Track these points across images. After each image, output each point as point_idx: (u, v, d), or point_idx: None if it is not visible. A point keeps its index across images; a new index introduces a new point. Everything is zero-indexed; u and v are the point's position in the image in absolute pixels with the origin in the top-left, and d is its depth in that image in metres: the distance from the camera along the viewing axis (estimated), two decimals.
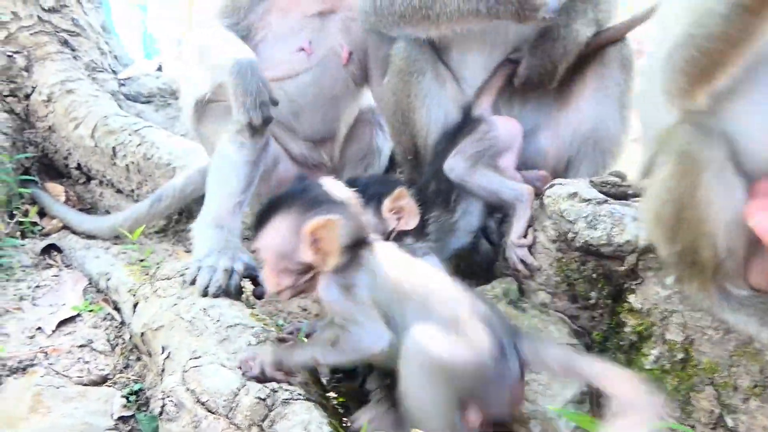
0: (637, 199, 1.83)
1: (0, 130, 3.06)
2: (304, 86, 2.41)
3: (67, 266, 2.70)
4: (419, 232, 1.87)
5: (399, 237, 1.84)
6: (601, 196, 1.77)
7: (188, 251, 2.78)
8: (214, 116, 2.38)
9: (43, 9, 3.30)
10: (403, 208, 1.82)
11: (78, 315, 2.30)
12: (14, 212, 2.92)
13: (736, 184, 1.33)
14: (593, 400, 1.63)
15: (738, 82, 1.29)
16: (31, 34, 3.25)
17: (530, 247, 1.85)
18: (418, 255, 1.66)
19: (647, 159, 1.51)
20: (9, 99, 3.18)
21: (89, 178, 3.20)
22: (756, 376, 1.46)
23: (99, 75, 3.42)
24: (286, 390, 1.38)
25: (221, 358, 1.46)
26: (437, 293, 1.43)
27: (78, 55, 3.37)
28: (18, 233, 2.87)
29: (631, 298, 1.67)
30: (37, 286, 2.51)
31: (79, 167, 3.18)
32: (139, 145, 2.98)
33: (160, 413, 1.37)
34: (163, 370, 1.62)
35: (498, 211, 2.05)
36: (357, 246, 1.47)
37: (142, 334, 1.86)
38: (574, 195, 1.77)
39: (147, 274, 2.34)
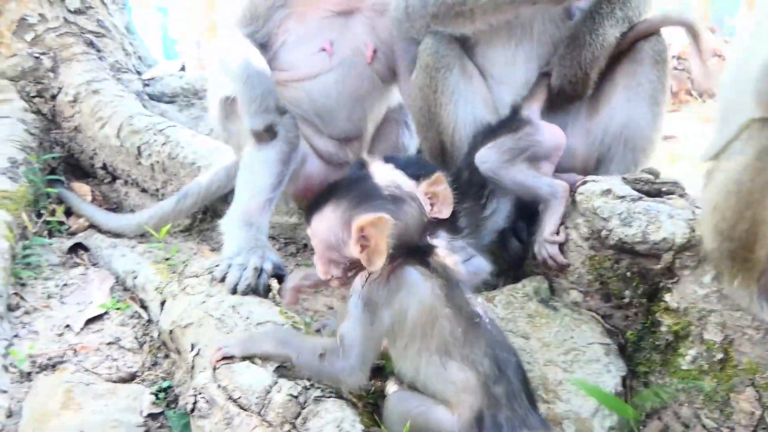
0: (671, 196, 1.80)
1: (27, 131, 3.09)
2: (326, 86, 2.41)
3: (93, 265, 2.72)
4: (451, 224, 1.84)
5: (431, 228, 1.82)
6: (636, 193, 1.74)
7: (213, 250, 2.79)
8: (240, 114, 2.39)
9: (69, 11, 3.34)
10: (438, 194, 1.73)
11: (105, 313, 2.31)
12: (41, 211, 2.94)
13: None
14: (628, 400, 1.61)
15: None
16: (58, 35, 3.28)
17: (561, 246, 1.82)
18: (462, 256, 1.63)
19: (721, 142, 1.44)
20: (36, 100, 3.22)
21: (114, 178, 3.22)
22: None
23: (124, 75, 3.44)
24: (318, 387, 1.37)
25: None
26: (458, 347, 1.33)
27: (103, 55, 3.40)
28: (45, 232, 2.89)
29: (667, 297, 1.63)
30: (65, 285, 2.53)
31: (104, 167, 3.20)
32: (164, 144, 2.99)
33: (192, 410, 1.36)
34: (192, 367, 1.62)
35: (526, 211, 2.02)
36: (410, 252, 1.39)
37: (171, 331, 1.86)
38: (607, 192, 1.74)
39: (174, 272, 2.34)
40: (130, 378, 1.94)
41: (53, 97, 3.23)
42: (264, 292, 1.83)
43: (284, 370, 1.41)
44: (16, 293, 2.40)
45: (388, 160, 1.87)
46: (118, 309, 2.31)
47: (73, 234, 2.95)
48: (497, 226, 1.96)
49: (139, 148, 3.02)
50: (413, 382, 1.38)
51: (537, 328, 1.68)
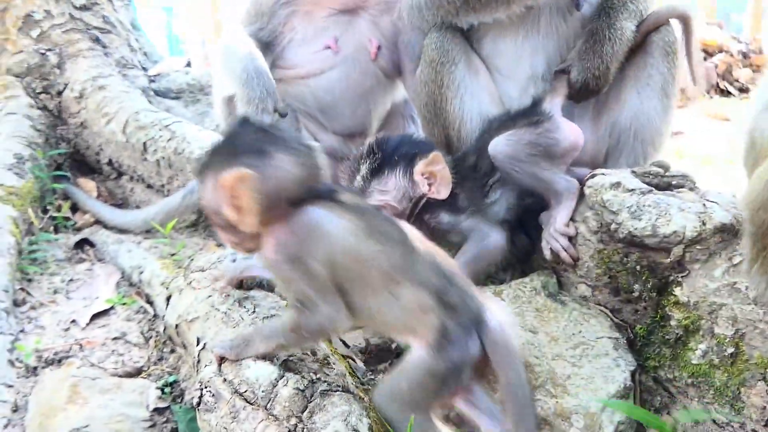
0: (681, 189, 1.78)
1: (33, 127, 3.08)
2: (330, 83, 2.41)
3: (99, 260, 2.72)
4: (451, 205, 1.81)
5: (432, 209, 1.80)
6: (645, 186, 1.72)
7: (220, 245, 2.78)
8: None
9: (75, 7, 3.33)
10: (435, 173, 1.76)
11: (111, 308, 2.31)
12: (48, 207, 2.95)
13: None
14: (637, 394, 1.59)
15: None
16: (63, 31, 3.28)
17: (571, 239, 1.80)
18: (477, 235, 1.68)
19: None
20: (42, 96, 3.21)
21: (120, 174, 3.22)
22: None
23: (129, 71, 3.44)
24: (324, 381, 1.36)
25: None
26: (395, 271, 1.28)
27: (109, 52, 3.40)
28: (51, 228, 2.89)
29: (677, 290, 1.61)
30: (71, 280, 2.53)
31: (110, 163, 3.19)
32: (170, 140, 2.98)
33: (198, 404, 1.35)
34: (198, 361, 1.61)
35: (531, 206, 1.99)
36: (303, 202, 1.31)
37: (177, 325, 1.85)
38: (617, 185, 1.72)
39: (180, 267, 2.34)
40: (136, 373, 1.94)
41: (59, 93, 3.23)
42: (269, 286, 1.83)
43: (291, 363, 1.40)
44: (22, 288, 2.40)
45: (379, 142, 1.87)
46: (124, 304, 2.31)
47: (79, 230, 2.95)
48: (497, 216, 1.91)
49: (144, 143, 3.01)
50: (376, 328, 1.37)
51: (545, 322, 1.67)
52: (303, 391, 1.31)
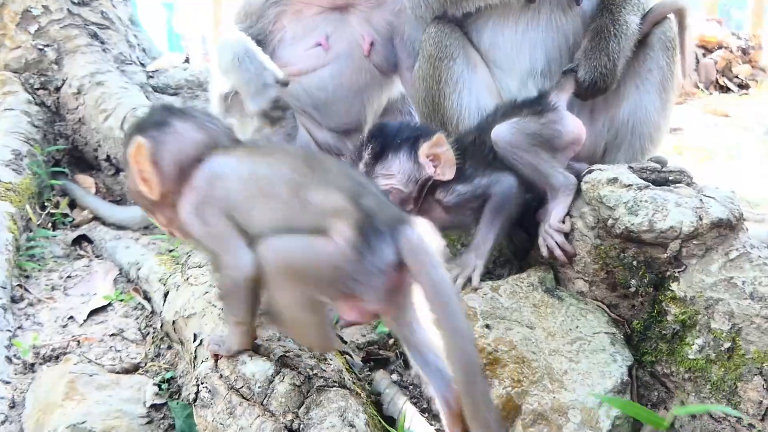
0: (678, 185, 1.78)
1: (31, 123, 3.08)
2: (323, 80, 2.41)
3: (97, 257, 2.72)
4: (460, 177, 1.81)
5: (444, 187, 1.79)
6: (642, 181, 1.72)
7: None
8: (241, 108, 2.38)
9: (73, 2, 3.33)
10: (440, 155, 1.75)
11: (109, 304, 2.31)
12: (46, 204, 2.95)
13: None
14: (634, 389, 1.59)
15: None
16: (62, 27, 3.27)
17: (567, 235, 1.79)
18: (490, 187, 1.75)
19: None
20: (40, 92, 3.21)
21: (118, 170, 3.21)
22: None
23: (128, 67, 3.43)
24: (321, 377, 1.36)
25: (255, 344, 1.43)
26: (285, 186, 1.27)
27: (107, 47, 3.39)
28: (49, 224, 2.89)
29: (674, 286, 1.61)
30: (69, 276, 2.53)
31: (108, 159, 3.19)
32: None
33: (195, 400, 1.35)
34: (195, 358, 1.61)
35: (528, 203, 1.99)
36: (203, 160, 1.34)
37: (174, 322, 1.85)
38: (614, 180, 1.72)
39: (178, 263, 2.34)
40: (134, 369, 1.94)
41: (57, 89, 3.23)
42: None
43: (287, 359, 1.40)
44: (20, 285, 2.40)
45: (379, 128, 1.86)
46: (121, 300, 2.31)
47: (77, 226, 2.95)
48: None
49: None
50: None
51: (542, 317, 1.66)
52: (299, 386, 1.31)
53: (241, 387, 1.32)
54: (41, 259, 2.63)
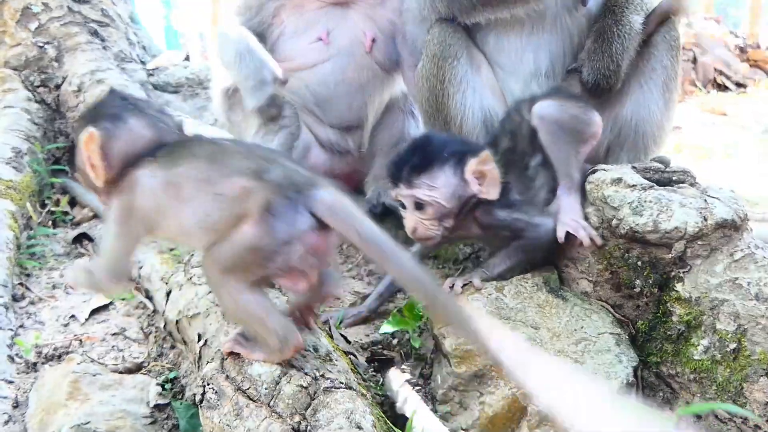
0: (681, 185, 1.78)
1: (31, 120, 3.07)
2: (323, 76, 2.41)
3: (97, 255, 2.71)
4: (503, 200, 1.75)
5: (484, 205, 1.75)
6: (647, 182, 1.72)
7: None
8: (242, 103, 2.38)
9: (73, 0, 3.32)
10: (486, 173, 1.70)
11: (110, 303, 2.30)
12: (46, 201, 2.94)
13: None
14: (639, 390, 1.59)
15: None
16: (62, 24, 3.26)
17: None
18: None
19: None
20: (40, 89, 3.21)
21: None
22: None
23: (128, 65, 3.43)
24: (327, 378, 1.36)
25: None
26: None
27: (107, 45, 3.38)
28: (50, 222, 2.88)
29: (679, 286, 1.61)
30: None
31: None
32: None
33: (201, 401, 1.35)
34: (199, 358, 1.61)
35: None
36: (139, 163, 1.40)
37: (177, 321, 1.85)
38: (618, 181, 1.72)
39: (179, 262, 2.33)
40: (137, 368, 1.93)
41: (57, 86, 3.22)
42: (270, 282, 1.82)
43: (293, 360, 1.39)
44: (21, 284, 2.40)
45: (424, 138, 1.82)
46: (123, 299, 2.30)
47: (77, 224, 2.94)
48: (542, 202, 1.85)
49: None
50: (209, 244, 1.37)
51: (547, 318, 1.66)
52: (306, 388, 1.31)
53: (248, 388, 1.31)
54: (42, 258, 2.63)
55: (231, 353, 1.39)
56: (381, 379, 1.71)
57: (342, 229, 1.27)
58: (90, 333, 2.14)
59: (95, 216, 2.96)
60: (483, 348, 1.26)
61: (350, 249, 2.54)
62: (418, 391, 1.63)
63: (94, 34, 3.33)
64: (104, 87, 3.17)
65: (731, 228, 1.61)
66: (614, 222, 1.68)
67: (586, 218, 1.76)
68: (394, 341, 1.87)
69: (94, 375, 1.79)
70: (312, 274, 1.32)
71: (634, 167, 1.84)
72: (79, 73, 3.19)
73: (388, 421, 1.42)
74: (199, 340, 1.64)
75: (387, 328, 1.82)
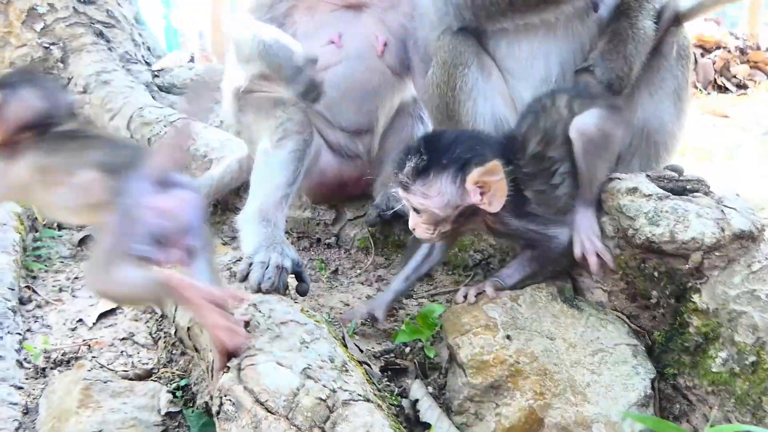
0: (696, 194, 1.77)
1: None
2: (335, 78, 2.39)
3: None
4: (518, 209, 1.68)
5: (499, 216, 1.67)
6: (662, 191, 1.71)
7: (225, 243, 2.76)
8: (255, 105, 2.36)
9: (79, 1, 3.31)
10: (490, 184, 1.59)
11: (118, 307, 2.28)
12: None
13: None
14: (656, 402, 1.59)
15: None
16: (67, 25, 3.25)
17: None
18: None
19: None
20: None
21: None
22: None
23: (133, 66, 3.41)
24: (345, 390, 1.34)
25: (277, 355, 1.42)
26: None
27: (113, 46, 3.37)
28: (54, 224, 2.86)
29: (696, 297, 1.60)
30: (76, 278, 2.51)
31: None
32: None
33: (218, 412, 1.33)
34: (213, 368, 1.59)
35: None
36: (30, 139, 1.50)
37: (189, 328, 1.83)
38: (633, 190, 1.71)
39: None
40: (147, 375, 1.92)
41: (63, 87, 3.20)
42: (284, 289, 1.81)
43: (310, 370, 1.38)
44: (27, 286, 2.38)
45: (433, 137, 1.77)
46: None
47: (82, 226, 2.92)
48: (562, 210, 1.78)
49: (149, 140, 2.98)
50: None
51: (562, 328, 1.65)
52: (325, 400, 1.29)
53: (266, 400, 1.30)
54: (48, 260, 2.61)
55: None
56: (395, 389, 1.70)
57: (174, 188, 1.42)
58: (98, 338, 2.13)
59: None
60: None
61: (359, 254, 2.53)
62: (441, 399, 1.62)
63: (100, 35, 3.32)
64: (110, 88, 3.16)
65: (749, 239, 1.60)
66: (630, 232, 1.67)
67: (602, 229, 1.75)
68: (407, 350, 1.86)
69: (105, 382, 1.77)
70: (176, 241, 1.40)
71: (648, 175, 1.83)
72: (85, 74, 3.18)
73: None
74: (212, 349, 1.62)
75: (401, 338, 1.81)
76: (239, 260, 1.94)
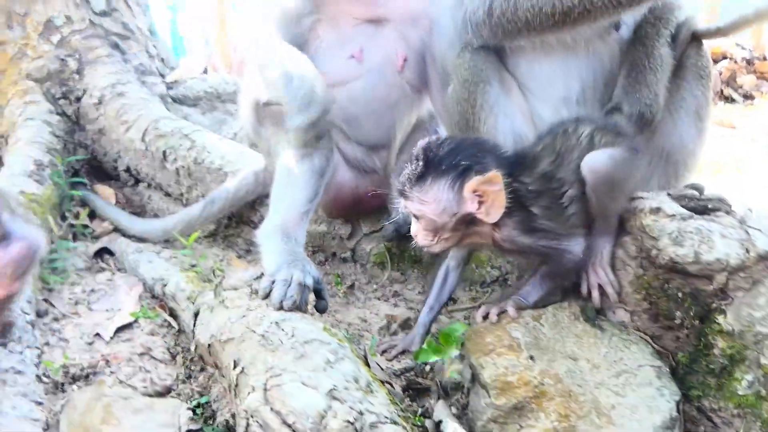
0: (718, 213, 1.76)
1: (53, 133, 3.07)
2: (354, 93, 2.39)
3: (119, 270, 2.70)
4: (526, 225, 1.67)
5: (504, 227, 1.66)
6: (686, 211, 1.71)
7: (240, 256, 2.77)
8: (274, 118, 2.36)
9: (95, 13, 3.31)
10: (488, 194, 1.59)
11: (135, 321, 2.28)
12: (66, 214, 2.92)
13: None
14: (682, 425, 1.58)
15: None
16: (83, 37, 3.25)
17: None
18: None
19: None
20: (61, 101, 3.19)
21: (138, 181, 3.20)
22: None
23: (148, 78, 3.41)
24: (372, 412, 1.34)
25: (302, 376, 1.42)
26: None
27: (127, 58, 3.37)
28: (70, 235, 2.87)
29: (721, 318, 1.60)
30: (92, 290, 2.51)
31: (128, 170, 3.17)
32: (190, 149, 2.96)
33: None
34: (236, 386, 1.59)
35: None
36: None
37: (209, 345, 1.83)
38: (657, 210, 1.71)
39: (205, 281, 2.32)
40: (166, 391, 1.91)
41: (78, 99, 3.21)
42: (305, 307, 1.81)
43: (335, 391, 1.38)
44: (45, 299, 2.38)
45: (434, 143, 1.71)
46: (147, 317, 2.29)
47: (97, 237, 2.93)
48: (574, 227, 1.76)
49: (164, 152, 2.99)
50: None
51: (585, 348, 1.65)
52: (353, 423, 1.29)
53: (294, 422, 1.30)
54: (64, 272, 2.61)
55: None
56: (418, 410, 1.69)
57: None
58: (115, 352, 2.12)
59: (115, 229, 2.95)
60: None
61: (375, 269, 2.53)
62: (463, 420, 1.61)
63: (115, 47, 3.32)
64: (125, 100, 3.17)
65: None
66: (653, 252, 1.67)
67: (624, 249, 1.75)
68: (427, 368, 1.85)
69: (126, 399, 1.77)
70: None
71: (669, 195, 1.82)
72: (100, 86, 3.18)
73: None
74: (234, 367, 1.63)
75: (423, 357, 1.80)
76: (260, 277, 1.94)
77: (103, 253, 2.80)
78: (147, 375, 2.00)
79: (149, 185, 3.16)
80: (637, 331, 1.73)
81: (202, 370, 1.96)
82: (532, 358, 1.60)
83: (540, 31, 1.97)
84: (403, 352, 1.97)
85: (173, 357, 2.10)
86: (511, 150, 1.89)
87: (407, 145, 2.60)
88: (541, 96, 2.14)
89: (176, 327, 2.22)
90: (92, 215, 3.03)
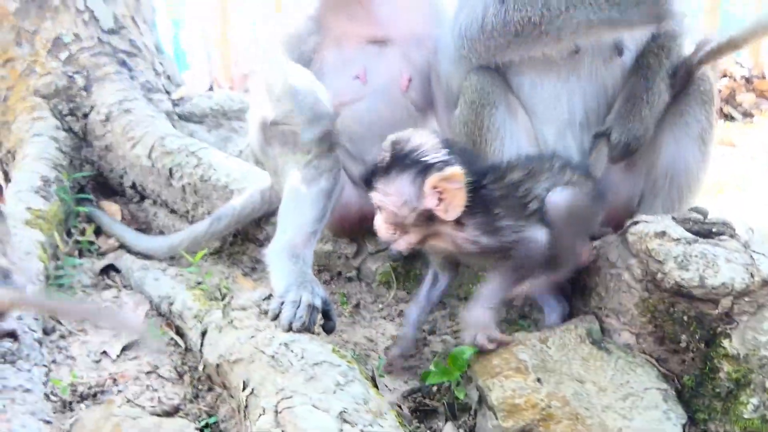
0: (722, 237, 1.78)
1: (59, 149, 3.09)
2: (359, 113, 2.42)
3: (125, 287, 2.71)
4: (488, 225, 1.70)
5: (467, 230, 1.69)
6: (691, 235, 1.73)
7: (245, 274, 2.78)
8: (282, 138, 2.38)
9: (103, 30, 3.35)
10: (448, 191, 1.62)
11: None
12: (72, 230, 2.94)
13: None
14: None
15: None
16: (92, 55, 3.29)
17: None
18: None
19: None
20: (68, 118, 3.23)
21: (143, 198, 3.22)
22: None
23: (154, 95, 3.45)
24: None
25: (312, 398, 1.43)
26: None
27: (134, 75, 3.41)
28: (76, 252, 2.88)
29: (726, 342, 1.61)
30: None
31: (133, 186, 3.19)
32: (196, 166, 2.98)
33: None
34: (246, 407, 1.60)
35: None
36: None
37: (218, 365, 1.84)
38: (662, 234, 1.73)
39: (211, 299, 2.32)
40: (174, 411, 1.91)
41: (85, 115, 3.24)
42: (314, 327, 1.82)
43: (346, 414, 1.39)
44: (51, 316, 2.39)
45: (402, 138, 1.76)
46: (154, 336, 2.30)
47: (103, 254, 2.94)
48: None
49: (171, 169, 3.01)
50: None
51: (591, 371, 1.66)
52: None
53: None
54: (70, 288, 2.62)
55: None
56: (426, 431, 1.70)
57: None
58: (122, 370, 2.13)
59: (121, 246, 2.97)
60: None
61: (380, 288, 2.54)
62: None
63: (123, 64, 3.36)
64: (131, 117, 3.20)
65: None
66: (659, 275, 1.68)
67: (630, 272, 1.77)
68: (434, 389, 1.86)
69: (135, 419, 1.78)
70: None
71: (674, 218, 1.84)
72: (107, 103, 3.21)
73: None
74: (244, 388, 1.64)
75: (432, 379, 1.81)
76: (268, 297, 1.96)
77: (109, 269, 2.81)
78: (155, 394, 2.01)
79: (155, 202, 3.18)
80: (642, 353, 1.74)
81: (210, 389, 1.97)
82: (539, 380, 1.61)
83: (530, 44, 1.99)
84: (403, 357, 1.99)
85: (180, 376, 2.10)
86: (484, 159, 1.99)
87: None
88: (545, 119, 2.17)
89: (183, 345, 2.22)
90: (98, 231, 3.05)
